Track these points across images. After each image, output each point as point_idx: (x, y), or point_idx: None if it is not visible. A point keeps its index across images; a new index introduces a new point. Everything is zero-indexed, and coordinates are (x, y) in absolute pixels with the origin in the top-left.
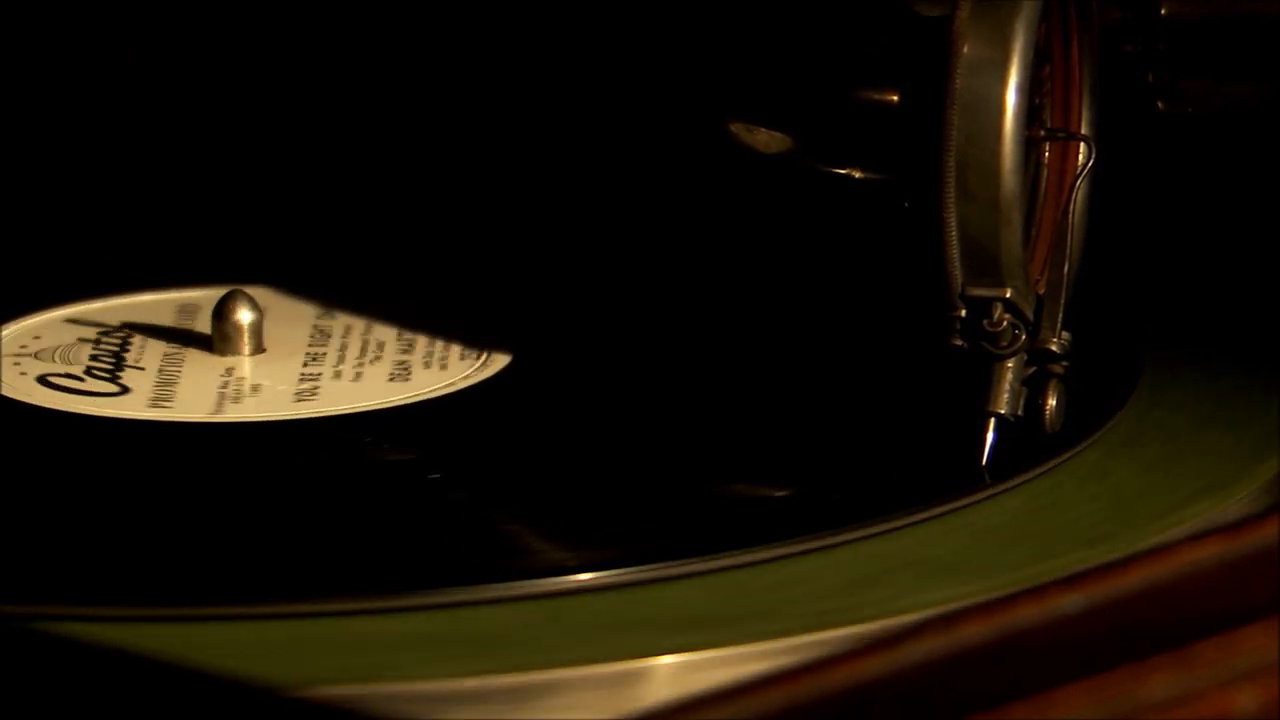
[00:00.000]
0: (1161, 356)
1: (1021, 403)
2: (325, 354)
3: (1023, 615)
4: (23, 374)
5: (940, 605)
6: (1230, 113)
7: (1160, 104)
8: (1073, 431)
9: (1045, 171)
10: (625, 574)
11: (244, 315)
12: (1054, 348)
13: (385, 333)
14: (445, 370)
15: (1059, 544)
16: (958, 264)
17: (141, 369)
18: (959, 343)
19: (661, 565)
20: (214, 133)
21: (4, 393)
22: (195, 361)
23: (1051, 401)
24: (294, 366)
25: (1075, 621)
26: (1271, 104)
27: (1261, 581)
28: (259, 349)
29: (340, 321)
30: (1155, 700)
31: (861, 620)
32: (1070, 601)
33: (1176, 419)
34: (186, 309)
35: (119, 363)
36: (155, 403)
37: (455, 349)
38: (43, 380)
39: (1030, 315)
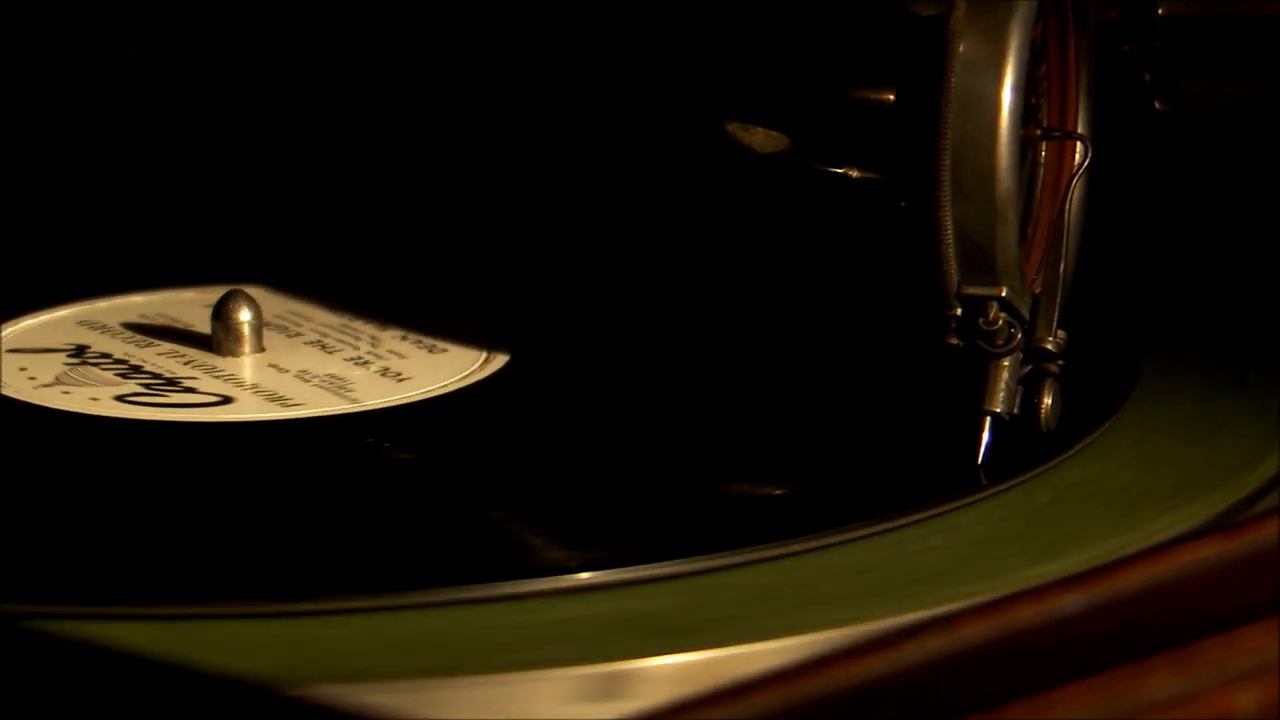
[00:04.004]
0: (1161, 356)
1: (1017, 402)
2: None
3: (1023, 615)
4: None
5: (940, 605)
6: (1227, 112)
7: (1157, 103)
8: (1072, 431)
9: (1042, 170)
10: (625, 574)
11: (244, 315)
12: (1050, 347)
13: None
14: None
15: (1058, 544)
16: (954, 263)
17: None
18: (955, 342)
19: (661, 565)
20: (213, 133)
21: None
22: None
23: (1047, 400)
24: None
25: (1075, 621)
26: (1269, 103)
27: (1261, 581)
28: (259, 349)
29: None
30: (1155, 700)
31: (861, 620)
32: (1070, 601)
33: (1176, 419)
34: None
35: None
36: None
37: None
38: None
39: (1026, 314)
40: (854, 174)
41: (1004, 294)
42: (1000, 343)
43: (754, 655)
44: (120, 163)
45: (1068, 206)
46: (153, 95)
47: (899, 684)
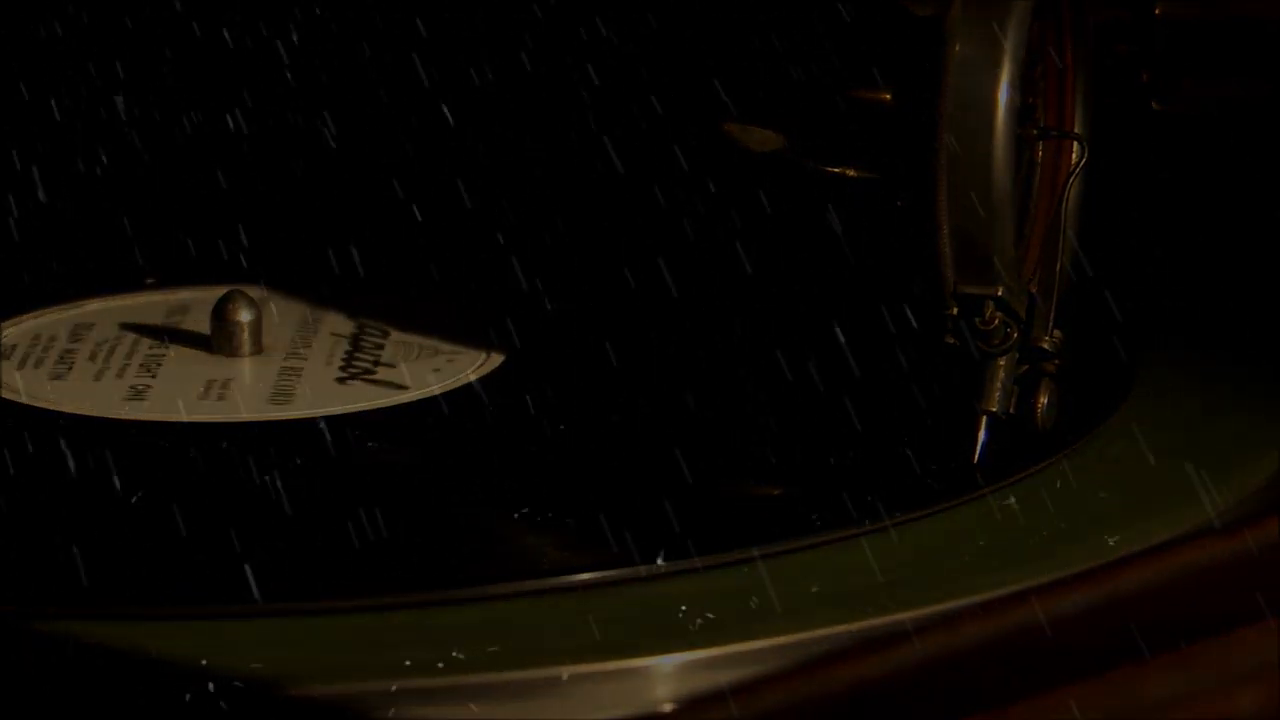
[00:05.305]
0: (1160, 356)
1: (1013, 401)
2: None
3: (1023, 615)
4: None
5: (940, 604)
6: (1225, 112)
7: (1155, 103)
8: (1070, 431)
9: (1039, 170)
10: (625, 574)
11: (244, 315)
12: (1046, 346)
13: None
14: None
15: (1056, 544)
16: (950, 262)
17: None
18: (951, 341)
19: (661, 565)
20: (213, 133)
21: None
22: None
23: (1043, 400)
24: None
25: (1075, 621)
26: (1268, 103)
27: (1261, 581)
28: (258, 349)
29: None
30: (1155, 700)
31: (861, 620)
32: (1070, 601)
33: (1175, 418)
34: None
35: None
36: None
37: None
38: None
39: (1022, 314)
40: (851, 173)
41: (1000, 294)
42: (996, 342)
43: (754, 655)
44: (122, 163)
45: (1064, 206)
46: (153, 96)
47: (899, 684)
